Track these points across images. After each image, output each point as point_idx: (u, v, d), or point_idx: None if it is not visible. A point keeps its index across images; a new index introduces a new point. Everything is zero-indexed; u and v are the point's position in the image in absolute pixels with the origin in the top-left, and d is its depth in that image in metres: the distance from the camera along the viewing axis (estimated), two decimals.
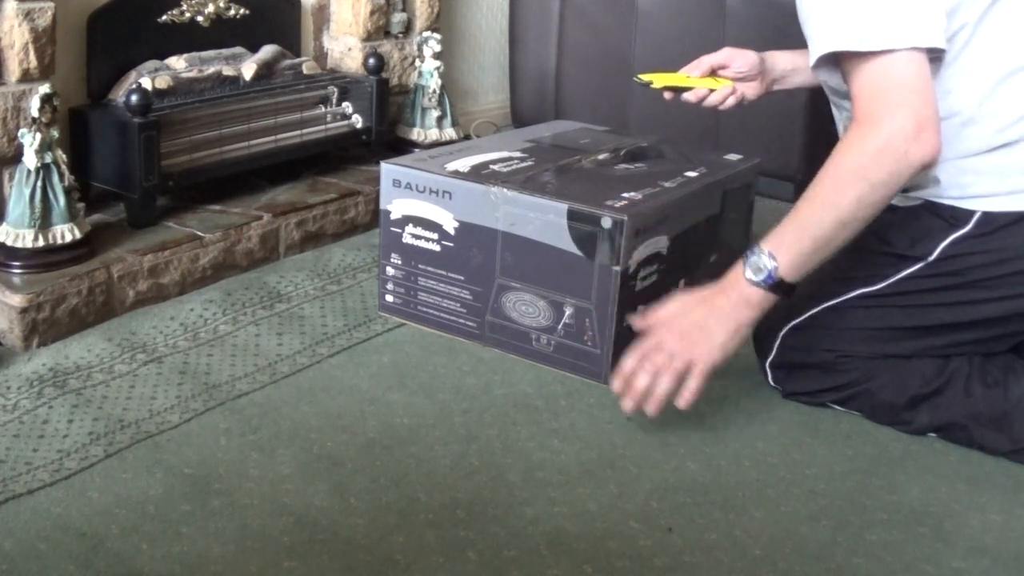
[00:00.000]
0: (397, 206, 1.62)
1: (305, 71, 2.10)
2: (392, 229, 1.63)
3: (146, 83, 1.79)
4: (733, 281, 1.28)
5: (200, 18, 1.96)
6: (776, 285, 1.26)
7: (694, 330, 1.27)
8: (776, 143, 2.30)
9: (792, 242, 1.25)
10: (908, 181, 1.22)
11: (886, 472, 1.31)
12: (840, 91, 1.34)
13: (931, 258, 1.33)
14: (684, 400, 1.27)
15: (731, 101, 1.59)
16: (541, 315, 1.52)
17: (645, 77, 1.56)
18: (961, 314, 1.34)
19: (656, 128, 2.25)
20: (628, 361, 1.29)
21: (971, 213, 1.30)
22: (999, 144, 1.28)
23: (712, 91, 1.58)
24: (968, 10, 1.24)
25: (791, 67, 1.62)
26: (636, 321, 1.33)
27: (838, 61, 1.26)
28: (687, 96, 1.58)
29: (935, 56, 1.24)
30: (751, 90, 1.62)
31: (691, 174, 1.66)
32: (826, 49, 1.24)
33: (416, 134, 2.33)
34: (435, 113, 2.34)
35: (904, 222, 1.36)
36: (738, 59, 1.58)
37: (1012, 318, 1.33)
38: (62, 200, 1.56)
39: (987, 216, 1.29)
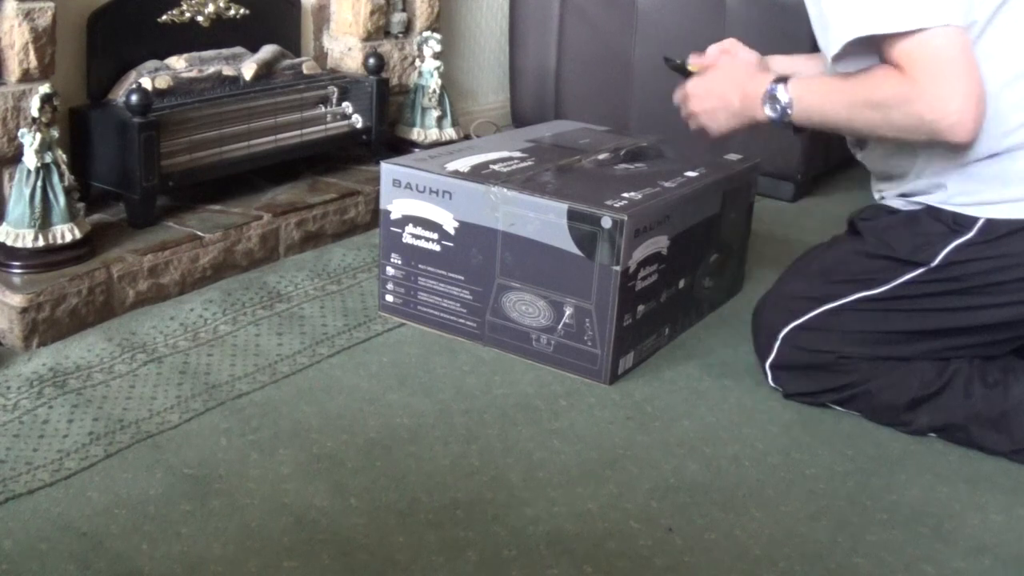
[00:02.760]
0: (397, 206, 1.62)
1: (305, 71, 2.10)
2: (392, 229, 1.63)
3: (146, 83, 1.79)
4: (752, 97, 1.39)
5: (200, 18, 1.96)
6: (783, 123, 1.36)
7: (710, 110, 1.47)
8: (776, 143, 2.30)
9: (809, 102, 1.33)
10: (921, 142, 1.26)
11: (886, 472, 1.31)
12: None
13: (933, 264, 1.32)
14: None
15: None
16: (541, 315, 1.52)
17: (679, 61, 1.53)
18: (962, 320, 1.34)
19: (656, 128, 2.25)
20: (677, 94, 1.52)
21: (974, 220, 1.29)
22: (1002, 150, 1.27)
23: None
24: (980, 7, 1.23)
25: (790, 72, 1.58)
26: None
27: (872, 47, 1.24)
28: None
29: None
30: None
31: (691, 174, 1.66)
32: (855, 34, 1.22)
33: (416, 134, 2.33)
34: (435, 113, 2.34)
35: (906, 226, 1.36)
36: (741, 52, 1.55)
37: (1013, 324, 1.33)
38: (62, 200, 1.56)
39: (990, 223, 1.29)
